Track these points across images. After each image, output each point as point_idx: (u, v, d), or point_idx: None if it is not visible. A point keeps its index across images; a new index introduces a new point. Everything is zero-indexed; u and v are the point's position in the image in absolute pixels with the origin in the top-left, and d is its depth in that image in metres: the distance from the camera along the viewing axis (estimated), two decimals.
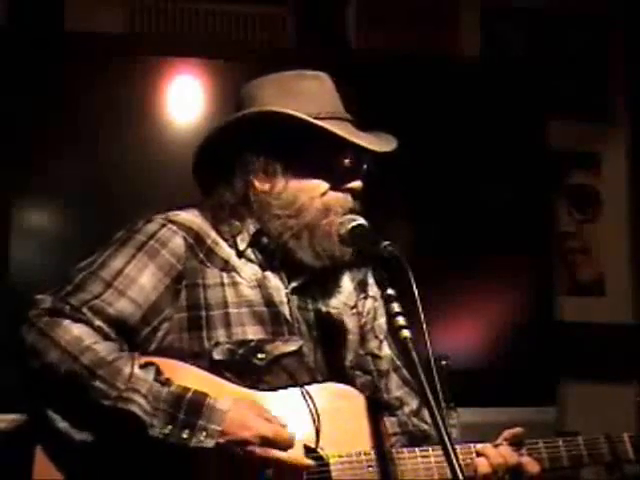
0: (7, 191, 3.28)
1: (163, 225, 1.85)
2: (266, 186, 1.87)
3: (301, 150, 1.86)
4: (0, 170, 3.27)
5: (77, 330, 1.68)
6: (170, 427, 1.62)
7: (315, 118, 1.83)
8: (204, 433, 1.61)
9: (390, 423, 1.96)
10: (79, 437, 1.65)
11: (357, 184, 1.87)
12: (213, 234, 1.88)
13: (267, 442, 1.64)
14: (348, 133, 1.83)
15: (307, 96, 1.89)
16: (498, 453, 1.85)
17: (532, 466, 1.87)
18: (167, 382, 1.67)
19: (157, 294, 1.78)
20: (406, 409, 2.00)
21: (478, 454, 1.85)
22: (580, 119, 4.08)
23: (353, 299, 2.01)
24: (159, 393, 1.64)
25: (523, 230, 3.72)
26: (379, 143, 1.87)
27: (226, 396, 1.67)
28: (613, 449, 1.98)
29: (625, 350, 3.88)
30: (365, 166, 1.90)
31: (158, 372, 1.68)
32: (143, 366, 1.68)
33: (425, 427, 1.97)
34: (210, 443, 1.61)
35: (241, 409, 1.66)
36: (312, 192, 1.85)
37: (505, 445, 1.87)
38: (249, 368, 1.79)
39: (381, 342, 2.02)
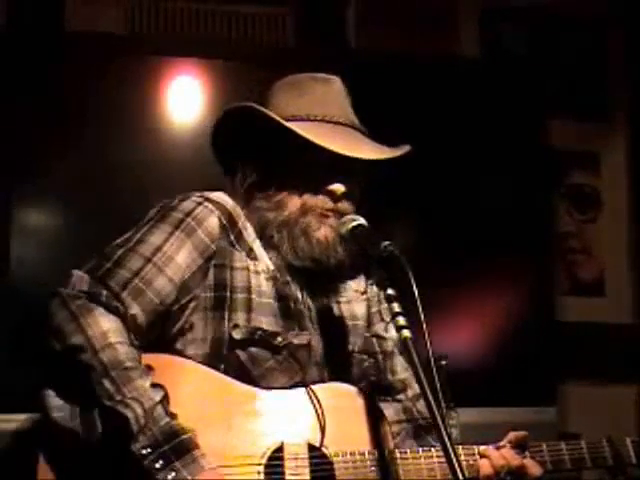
0: (7, 191, 3.28)
1: (199, 203, 1.88)
2: (252, 182, 1.92)
3: (282, 149, 1.89)
4: (0, 170, 3.27)
5: (107, 324, 1.69)
6: (150, 450, 1.62)
7: (299, 119, 1.86)
8: (173, 474, 1.61)
9: (395, 410, 1.97)
10: (70, 425, 1.66)
11: (335, 187, 1.88)
12: (243, 218, 1.92)
13: None
14: (326, 136, 1.83)
15: (315, 97, 1.92)
16: (500, 455, 1.85)
17: (534, 468, 1.88)
18: (172, 415, 1.67)
19: (189, 273, 1.81)
20: (409, 392, 2.01)
21: (481, 455, 1.86)
22: (580, 119, 4.08)
23: (362, 285, 2.04)
24: (160, 418, 1.65)
25: (523, 230, 3.72)
26: (360, 150, 1.88)
27: (215, 460, 1.66)
28: (615, 453, 1.99)
29: (625, 350, 3.88)
30: (353, 168, 1.91)
31: (166, 397, 1.69)
32: (155, 385, 1.68)
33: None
34: None
35: (217, 476, 1.66)
36: (291, 189, 1.89)
37: (508, 447, 1.88)
38: (267, 348, 1.82)
39: (387, 324, 2.03)
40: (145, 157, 3.40)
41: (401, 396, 2.00)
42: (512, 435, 1.91)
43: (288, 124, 1.85)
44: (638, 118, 4.14)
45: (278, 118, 1.86)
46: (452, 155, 3.60)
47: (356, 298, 2.01)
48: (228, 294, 1.83)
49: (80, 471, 1.68)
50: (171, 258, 1.79)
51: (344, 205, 1.89)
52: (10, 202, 3.27)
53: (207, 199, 1.89)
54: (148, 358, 1.74)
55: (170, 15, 3.70)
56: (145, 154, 3.40)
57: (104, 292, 1.72)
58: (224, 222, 1.87)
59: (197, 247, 1.83)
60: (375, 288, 2.04)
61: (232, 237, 1.87)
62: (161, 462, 1.61)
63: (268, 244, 1.91)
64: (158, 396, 1.67)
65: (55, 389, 1.68)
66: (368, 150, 1.89)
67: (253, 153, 1.93)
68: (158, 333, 1.80)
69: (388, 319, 2.02)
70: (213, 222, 1.86)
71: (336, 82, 1.98)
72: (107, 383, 1.64)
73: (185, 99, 3.48)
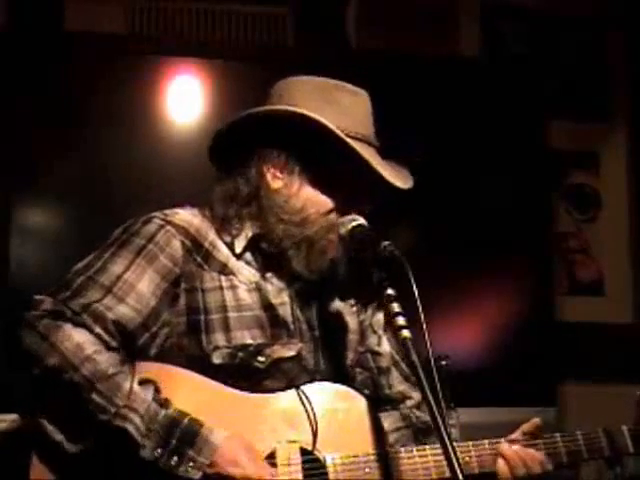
0: (7, 191, 3.28)
1: (161, 226, 1.83)
2: (279, 183, 1.85)
3: (323, 161, 1.83)
4: (0, 170, 3.27)
5: (78, 337, 1.66)
6: (160, 451, 1.62)
7: (347, 136, 1.80)
8: (191, 464, 1.61)
9: (393, 418, 1.96)
10: (74, 450, 1.64)
11: (363, 208, 1.86)
12: (211, 235, 1.87)
13: None
14: (375, 161, 1.80)
15: (342, 108, 1.85)
16: (521, 461, 1.85)
17: (548, 465, 1.88)
18: (165, 404, 1.66)
19: (156, 300, 1.77)
20: (408, 402, 2.00)
21: (500, 454, 1.86)
22: (580, 119, 4.08)
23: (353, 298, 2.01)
24: (156, 414, 1.64)
25: (523, 230, 3.72)
26: (399, 177, 1.85)
27: (222, 429, 1.66)
28: (612, 443, 1.97)
29: (625, 350, 3.88)
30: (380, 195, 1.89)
31: (157, 391, 1.68)
32: (142, 383, 1.67)
33: (428, 419, 1.96)
34: (196, 475, 1.62)
35: (234, 446, 1.66)
36: (321, 207, 1.84)
37: (522, 443, 1.88)
38: (249, 371, 1.79)
39: (380, 338, 2.02)
40: (145, 157, 3.40)
41: (400, 406, 1.99)
42: (525, 426, 1.91)
43: (349, 141, 1.78)
44: (638, 118, 4.14)
45: (342, 135, 1.78)
46: (452, 155, 3.60)
47: (347, 311, 1.98)
48: (202, 317, 1.79)
49: (74, 471, 1.67)
50: (132, 286, 1.75)
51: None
52: (10, 202, 3.27)
53: (169, 222, 1.83)
54: (139, 367, 1.72)
55: (170, 15, 3.70)
56: (145, 154, 3.40)
57: (68, 311, 1.69)
58: (188, 245, 1.82)
59: (159, 272, 1.78)
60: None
61: (199, 259, 1.83)
62: (176, 458, 1.61)
63: (267, 254, 1.87)
64: (149, 394, 1.65)
65: (47, 417, 1.64)
66: (401, 177, 1.86)
67: (286, 157, 1.85)
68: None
69: (380, 332, 2.02)
70: (176, 246, 1.81)
71: (365, 96, 1.92)
72: (96, 397, 1.62)
73: (185, 99, 3.48)
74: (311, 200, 1.84)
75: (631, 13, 4.12)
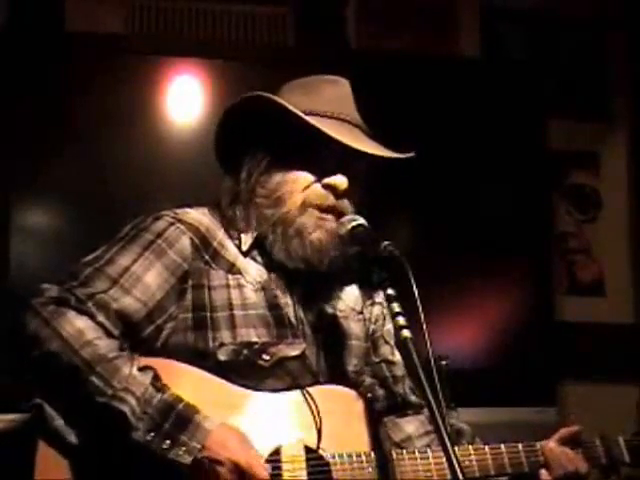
0: (7, 191, 3.28)
1: (171, 224, 1.85)
2: (257, 177, 1.89)
3: (289, 143, 1.87)
4: (0, 170, 3.27)
5: (80, 323, 1.68)
6: (153, 434, 1.62)
7: (309, 113, 1.85)
8: (183, 448, 1.62)
9: (419, 422, 1.97)
10: (71, 438, 1.66)
11: (338, 180, 1.85)
12: (220, 234, 1.88)
13: (239, 470, 1.64)
14: (334, 131, 1.82)
15: (318, 95, 1.91)
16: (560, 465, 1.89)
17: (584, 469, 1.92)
18: (162, 389, 1.67)
19: (162, 293, 1.78)
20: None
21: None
22: (580, 119, 4.08)
23: (359, 305, 2.01)
24: (151, 398, 1.64)
25: (523, 230, 3.72)
26: (368, 146, 1.86)
27: (216, 417, 1.67)
28: (609, 452, 1.98)
29: (625, 350, 3.88)
30: (358, 167, 1.89)
31: (156, 377, 1.68)
32: (142, 369, 1.68)
33: (452, 421, 1.96)
34: (187, 459, 1.62)
35: (226, 432, 1.67)
36: (293, 185, 1.86)
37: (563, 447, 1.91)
38: (253, 369, 1.79)
39: (392, 347, 2.02)
40: (144, 157, 3.40)
41: (422, 411, 1.99)
42: (564, 431, 1.92)
43: (300, 115, 1.83)
44: (638, 118, 4.15)
45: (291, 107, 1.83)
46: (452, 155, 3.60)
47: (353, 316, 1.98)
48: (208, 314, 1.80)
49: (79, 470, 1.67)
50: (139, 279, 1.76)
51: (344, 203, 1.87)
52: (10, 202, 3.27)
53: (179, 220, 1.85)
54: (143, 362, 1.71)
55: (170, 15, 3.70)
56: (144, 154, 3.41)
57: (72, 298, 1.70)
58: (197, 243, 1.84)
59: (168, 267, 1.80)
60: (375, 309, 2.03)
61: (207, 257, 1.84)
62: (168, 442, 1.61)
63: (262, 249, 1.88)
64: (148, 378, 1.66)
65: (45, 399, 1.67)
66: (374, 148, 1.88)
67: (260, 147, 1.90)
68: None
69: (392, 342, 2.02)
70: (185, 243, 1.83)
71: (345, 84, 1.97)
72: (95, 379, 1.63)
73: (185, 99, 3.48)
74: (284, 181, 1.87)
75: (631, 13, 4.12)
